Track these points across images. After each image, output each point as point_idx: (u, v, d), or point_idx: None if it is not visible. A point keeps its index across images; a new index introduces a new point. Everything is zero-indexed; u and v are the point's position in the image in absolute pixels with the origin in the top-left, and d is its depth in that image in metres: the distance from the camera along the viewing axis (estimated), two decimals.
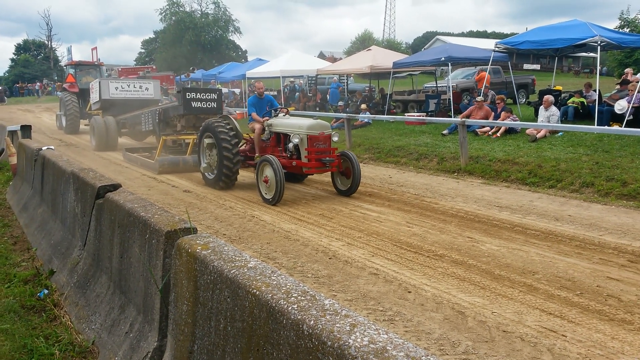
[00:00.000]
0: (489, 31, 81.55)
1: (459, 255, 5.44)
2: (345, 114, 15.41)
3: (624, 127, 11.32)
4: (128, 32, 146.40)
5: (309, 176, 9.49)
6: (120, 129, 15.80)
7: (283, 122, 8.84)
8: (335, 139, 8.31)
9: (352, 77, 28.09)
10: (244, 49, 60.15)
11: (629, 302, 4.24)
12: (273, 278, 2.15)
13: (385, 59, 19.78)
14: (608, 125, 12.03)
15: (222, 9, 60.20)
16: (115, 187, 4.22)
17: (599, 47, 13.29)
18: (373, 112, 18.38)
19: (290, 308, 1.87)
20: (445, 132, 13.78)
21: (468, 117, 13.36)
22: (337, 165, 8.29)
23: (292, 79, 27.78)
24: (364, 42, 58.97)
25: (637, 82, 13.18)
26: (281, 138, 8.82)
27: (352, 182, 8.29)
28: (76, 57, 23.21)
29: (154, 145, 13.57)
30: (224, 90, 31.27)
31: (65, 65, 23.08)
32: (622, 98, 12.94)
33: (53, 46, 63.99)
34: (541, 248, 5.63)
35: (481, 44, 29.07)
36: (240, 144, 9.46)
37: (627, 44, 14.60)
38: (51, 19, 74.92)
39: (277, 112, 9.35)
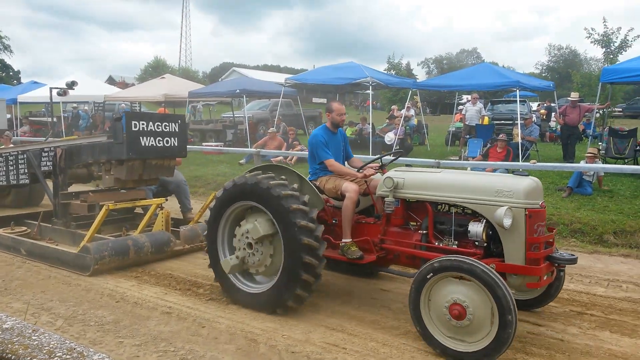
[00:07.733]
0: (281, 66, 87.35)
1: None
2: None
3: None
4: None
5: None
6: None
7: (436, 179, 4.50)
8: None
9: (144, 106, 26.92)
10: (16, 70, 52.63)
11: (397, 309, 4.88)
12: (34, 338, 1.94)
13: (180, 87, 19.56)
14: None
15: None
16: None
17: (370, 86, 15.31)
18: None
19: None
20: (242, 161, 14.17)
21: (263, 146, 14.01)
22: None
23: (75, 105, 25.32)
24: (157, 68, 57.15)
25: (401, 117, 15.53)
26: (428, 211, 4.47)
27: (552, 289, 4.61)
28: None
29: (32, 213, 8.15)
30: None
31: None
32: (390, 131, 15.12)
33: None
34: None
35: (275, 78, 30.85)
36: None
37: (393, 84, 17.21)
38: None
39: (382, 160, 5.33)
